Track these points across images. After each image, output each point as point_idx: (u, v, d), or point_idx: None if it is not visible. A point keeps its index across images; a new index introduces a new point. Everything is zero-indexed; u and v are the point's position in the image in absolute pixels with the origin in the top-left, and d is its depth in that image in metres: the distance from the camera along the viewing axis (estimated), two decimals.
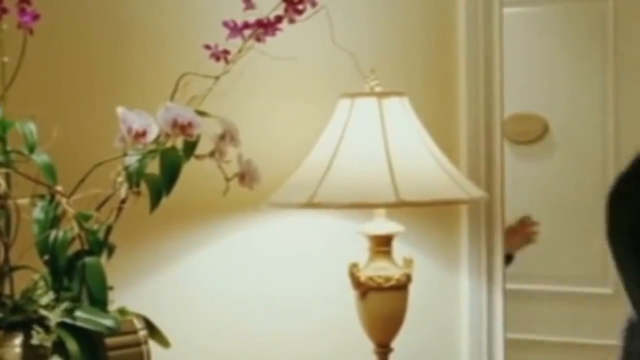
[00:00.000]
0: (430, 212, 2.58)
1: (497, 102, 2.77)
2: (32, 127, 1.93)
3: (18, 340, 1.82)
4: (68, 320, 1.82)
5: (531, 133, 4.59)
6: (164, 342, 2.02)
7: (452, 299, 2.69)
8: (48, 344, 1.79)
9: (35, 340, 1.79)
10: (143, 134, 1.84)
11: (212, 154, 2.00)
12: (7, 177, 1.91)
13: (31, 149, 1.91)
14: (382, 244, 2.38)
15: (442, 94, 2.69)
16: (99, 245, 1.94)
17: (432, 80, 2.68)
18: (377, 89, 2.37)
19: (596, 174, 4.47)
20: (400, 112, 2.36)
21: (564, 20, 4.25)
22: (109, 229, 1.95)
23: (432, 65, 2.68)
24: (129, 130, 1.83)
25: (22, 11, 1.88)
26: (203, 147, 1.97)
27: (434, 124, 2.52)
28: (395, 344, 2.40)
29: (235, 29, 2.06)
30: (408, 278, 2.38)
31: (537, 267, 4.53)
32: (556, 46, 4.01)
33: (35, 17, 1.89)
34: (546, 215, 4.36)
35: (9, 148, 1.92)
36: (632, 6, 4.20)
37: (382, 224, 2.38)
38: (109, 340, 1.86)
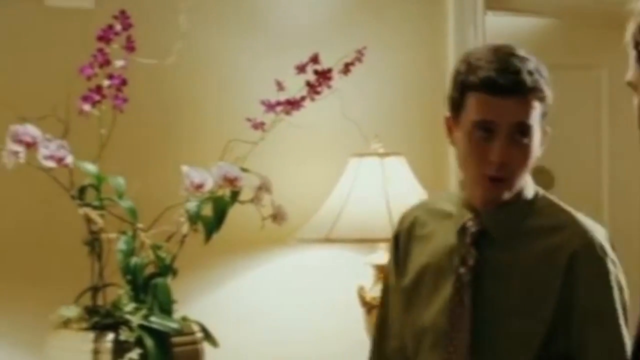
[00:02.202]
0: None
1: None
2: (120, 180, 2.41)
3: (110, 337, 2.32)
4: (145, 323, 2.31)
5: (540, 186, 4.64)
6: (213, 342, 2.45)
7: None
8: (131, 339, 2.29)
9: (122, 337, 2.29)
10: (201, 185, 2.34)
11: (252, 200, 2.47)
12: (102, 217, 2.40)
13: (120, 197, 2.39)
14: (383, 271, 2.81)
15: (435, 153, 3.14)
16: (167, 269, 2.40)
17: (427, 142, 3.13)
18: (380, 150, 2.88)
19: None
20: (398, 168, 2.88)
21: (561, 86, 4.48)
22: (174, 257, 2.41)
23: (426, 129, 3.12)
24: (191, 183, 2.34)
25: (116, 97, 2.38)
26: (245, 195, 2.44)
27: (428, 177, 2.98)
28: None
29: (270, 106, 2.55)
30: None
31: None
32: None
33: (125, 100, 2.39)
34: None
35: (102, 196, 2.40)
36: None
37: (383, 255, 2.82)
38: (174, 339, 2.35)
